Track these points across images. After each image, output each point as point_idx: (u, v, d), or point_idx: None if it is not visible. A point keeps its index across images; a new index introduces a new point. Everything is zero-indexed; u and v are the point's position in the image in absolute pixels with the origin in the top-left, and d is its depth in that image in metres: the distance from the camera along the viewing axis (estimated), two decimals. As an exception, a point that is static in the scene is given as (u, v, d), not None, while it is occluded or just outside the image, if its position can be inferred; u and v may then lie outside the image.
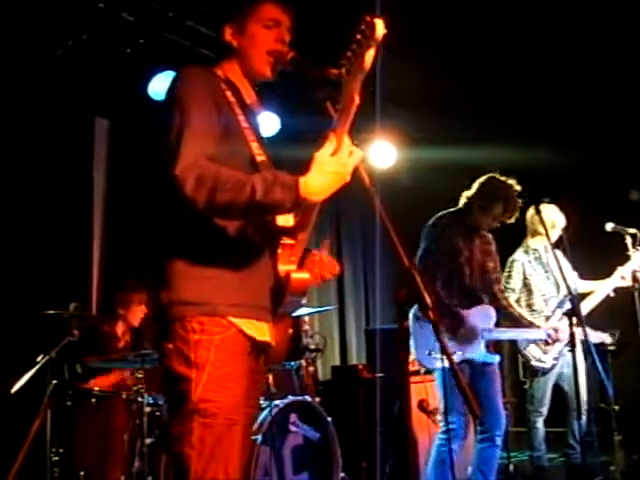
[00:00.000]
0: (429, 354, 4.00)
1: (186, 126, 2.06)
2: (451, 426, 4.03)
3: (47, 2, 4.88)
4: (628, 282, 4.87)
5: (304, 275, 2.20)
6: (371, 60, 1.92)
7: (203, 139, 2.07)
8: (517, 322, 4.43)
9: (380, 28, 1.85)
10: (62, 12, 4.98)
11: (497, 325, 4.33)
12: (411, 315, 4.08)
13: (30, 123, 5.22)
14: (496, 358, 4.25)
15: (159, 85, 5.31)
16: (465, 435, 4.22)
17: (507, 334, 4.49)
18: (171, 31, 5.49)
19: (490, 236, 4.45)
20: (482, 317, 4.21)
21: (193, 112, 2.09)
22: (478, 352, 4.13)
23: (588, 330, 4.70)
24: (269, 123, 5.86)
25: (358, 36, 1.88)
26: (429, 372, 4.61)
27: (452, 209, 4.41)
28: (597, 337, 4.85)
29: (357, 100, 2.01)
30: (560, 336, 4.35)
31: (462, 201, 4.41)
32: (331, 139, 2.05)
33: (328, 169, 2.03)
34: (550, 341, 4.41)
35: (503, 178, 4.34)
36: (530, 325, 4.46)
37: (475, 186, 4.40)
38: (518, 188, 4.27)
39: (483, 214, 4.30)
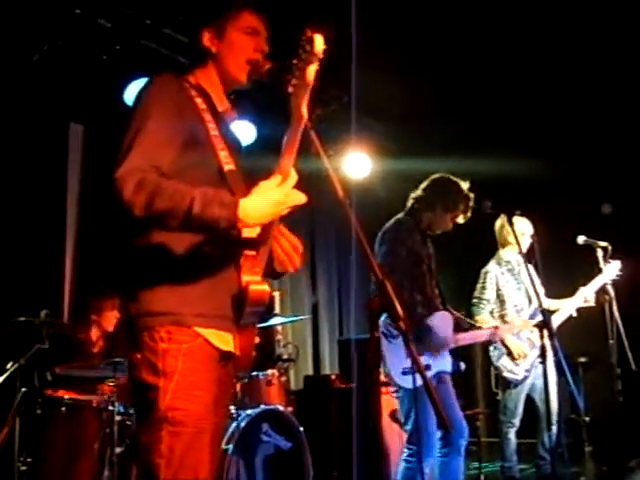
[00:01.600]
0: (404, 373, 3.86)
1: (140, 134, 2.06)
2: (422, 446, 3.88)
3: (23, 7, 4.85)
4: (590, 303, 4.91)
5: (263, 286, 2.20)
6: (314, 74, 1.93)
7: (154, 148, 2.07)
8: (460, 326, 4.39)
9: (319, 43, 1.88)
10: (38, 17, 4.96)
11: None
12: (380, 331, 3.95)
13: (4, 127, 5.18)
14: (462, 366, 4.22)
15: (135, 92, 5.28)
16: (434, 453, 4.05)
17: (466, 340, 4.44)
18: (148, 38, 5.48)
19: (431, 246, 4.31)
20: (443, 324, 4.08)
21: (151, 120, 2.09)
22: (446, 362, 4.06)
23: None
24: (245, 132, 5.86)
25: (300, 51, 1.89)
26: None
27: (405, 212, 4.22)
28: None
29: (305, 115, 2.02)
30: (500, 335, 4.37)
31: (412, 204, 4.23)
32: (277, 174, 2.07)
33: (269, 196, 2.04)
34: (495, 339, 4.41)
35: (449, 176, 4.22)
36: (471, 327, 4.45)
37: (422, 186, 4.24)
38: (466, 186, 4.16)
39: (434, 215, 4.15)
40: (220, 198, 2.00)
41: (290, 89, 1.97)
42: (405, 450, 4.00)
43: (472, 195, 4.17)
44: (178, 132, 2.14)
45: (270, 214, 2.06)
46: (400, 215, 4.22)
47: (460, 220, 4.19)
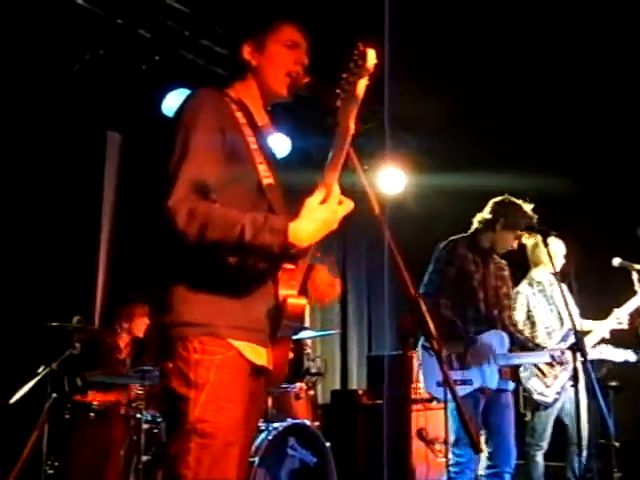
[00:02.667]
0: (438, 385, 3.94)
1: (185, 155, 2.07)
2: (460, 459, 3.94)
3: (66, 17, 4.93)
4: (623, 325, 4.84)
5: (301, 301, 2.19)
6: (364, 89, 1.92)
7: (201, 170, 2.07)
8: (523, 347, 4.40)
9: (372, 57, 1.86)
10: (80, 27, 5.04)
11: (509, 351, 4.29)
12: (420, 344, 4.07)
13: (44, 134, 5.26)
14: (510, 385, 4.21)
15: (173, 102, 5.34)
16: (476, 467, 4.10)
17: (518, 359, 4.45)
18: (187, 49, 5.55)
19: (504, 262, 4.44)
20: (496, 342, 4.14)
21: (195, 138, 2.09)
22: (491, 379, 4.05)
23: (610, 349, 4.74)
24: (280, 145, 5.88)
25: (351, 64, 1.88)
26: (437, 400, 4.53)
27: (465, 234, 4.39)
28: (620, 355, 4.81)
29: (352, 129, 2.01)
30: (564, 358, 4.31)
31: (474, 225, 4.39)
32: (321, 187, 2.06)
33: (317, 215, 2.04)
34: (555, 363, 4.36)
35: (513, 199, 4.34)
36: (535, 348, 4.45)
37: (486, 209, 4.39)
38: (528, 208, 4.27)
39: (494, 234, 4.29)
40: (270, 224, 2.00)
41: (338, 103, 1.96)
42: (451, 461, 4.03)
43: (535, 215, 4.25)
44: (221, 148, 2.14)
45: (320, 233, 2.07)
46: (458, 235, 4.37)
47: (525, 240, 4.37)
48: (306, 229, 2.02)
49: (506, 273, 4.43)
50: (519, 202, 4.30)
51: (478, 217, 4.39)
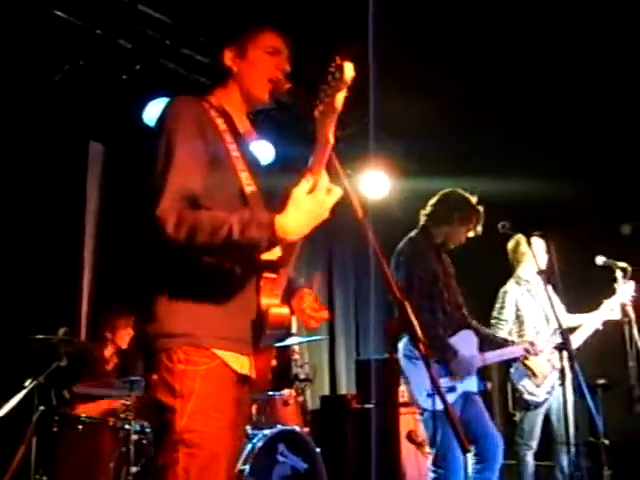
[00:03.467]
0: (429, 395, 3.83)
1: (170, 163, 2.07)
2: (447, 468, 3.88)
3: (46, 28, 4.92)
4: (616, 315, 4.86)
5: (283, 310, 2.19)
6: (342, 101, 1.93)
7: (186, 174, 2.07)
8: (491, 341, 4.36)
9: (349, 71, 1.87)
10: (60, 37, 5.03)
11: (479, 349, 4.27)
12: (401, 354, 3.97)
13: (25, 145, 5.23)
14: (483, 384, 4.20)
15: (154, 111, 5.34)
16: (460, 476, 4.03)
17: (494, 358, 4.42)
18: (167, 58, 5.54)
19: (448, 259, 4.32)
20: (467, 343, 4.09)
21: (178, 145, 2.10)
22: (472, 383, 4.05)
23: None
24: (264, 152, 5.88)
25: (328, 77, 1.89)
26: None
27: (417, 230, 4.25)
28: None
29: (331, 140, 2.01)
30: (537, 349, 4.30)
31: (424, 220, 4.26)
32: (308, 176, 2.03)
33: (305, 207, 2.01)
34: (530, 353, 4.34)
35: (459, 190, 4.26)
36: (504, 342, 4.42)
37: (432, 202, 4.29)
38: (475, 199, 4.20)
39: (450, 228, 4.18)
40: (257, 219, 2.00)
41: (316, 114, 1.97)
42: (430, 473, 3.98)
43: (481, 208, 4.20)
44: (203, 154, 2.15)
45: (309, 224, 2.03)
46: (412, 233, 4.24)
47: (471, 234, 4.21)
48: (293, 222, 2.00)
49: (452, 269, 4.31)
50: (467, 195, 4.22)
51: (427, 210, 4.26)
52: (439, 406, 3.69)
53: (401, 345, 3.95)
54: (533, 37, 5.41)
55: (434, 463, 3.93)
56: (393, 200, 7.50)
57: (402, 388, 4.03)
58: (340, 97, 1.91)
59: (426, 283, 4.03)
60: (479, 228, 4.21)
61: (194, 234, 1.97)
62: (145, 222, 2.03)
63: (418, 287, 3.99)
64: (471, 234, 4.21)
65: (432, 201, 4.29)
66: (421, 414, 4.02)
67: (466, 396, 4.02)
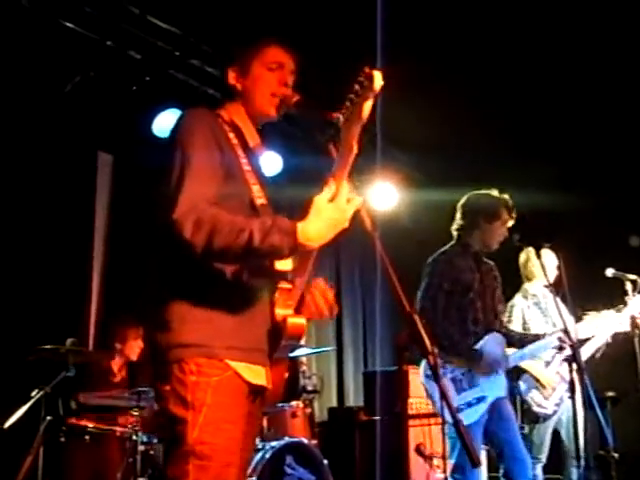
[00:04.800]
0: (458, 410, 3.71)
1: (187, 169, 2.07)
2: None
3: (56, 39, 4.95)
4: (626, 327, 4.82)
5: (300, 320, 2.19)
6: (369, 110, 1.93)
7: (203, 182, 2.08)
8: (522, 341, 4.31)
9: (378, 80, 1.87)
10: (71, 49, 5.06)
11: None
12: (422, 373, 3.97)
13: (35, 155, 5.26)
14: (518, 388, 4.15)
15: (163, 122, 5.35)
16: None
17: (524, 355, 4.32)
18: (177, 69, 5.57)
19: (492, 263, 4.31)
20: (494, 344, 4.02)
21: (194, 155, 2.10)
22: (501, 387, 3.99)
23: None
24: (272, 163, 5.89)
25: (356, 86, 1.89)
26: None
27: (452, 243, 4.23)
28: None
29: (355, 149, 2.01)
30: (570, 339, 4.22)
31: (455, 233, 4.24)
32: (330, 184, 2.04)
33: (326, 215, 2.02)
34: (565, 345, 4.25)
35: (476, 192, 4.25)
36: (535, 338, 4.37)
37: (459, 214, 4.26)
38: (496, 192, 4.19)
39: (481, 232, 4.15)
40: (278, 226, 2.00)
41: (341, 122, 1.97)
42: None
43: (507, 196, 4.18)
44: (219, 165, 2.16)
45: (330, 232, 2.04)
46: (446, 246, 4.22)
47: (510, 223, 4.15)
48: (315, 229, 2.01)
49: (497, 274, 4.30)
50: (486, 191, 4.21)
51: (455, 225, 4.24)
52: (464, 422, 3.71)
53: (422, 366, 3.95)
54: (541, 51, 5.42)
55: (453, 472, 3.91)
56: (402, 211, 7.50)
57: (410, 400, 4.04)
58: (368, 106, 1.92)
59: (454, 294, 4.02)
60: (511, 220, 4.16)
61: (213, 237, 1.97)
62: (161, 228, 2.03)
63: (444, 299, 3.99)
64: (510, 223, 4.16)
65: (457, 214, 4.26)
66: (443, 425, 3.96)
67: (496, 407, 3.95)
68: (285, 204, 2.44)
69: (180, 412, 2.06)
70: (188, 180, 2.05)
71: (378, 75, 1.87)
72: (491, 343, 4.02)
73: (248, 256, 2.02)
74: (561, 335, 4.21)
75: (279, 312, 2.17)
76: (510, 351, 4.19)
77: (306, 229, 2.00)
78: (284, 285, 2.20)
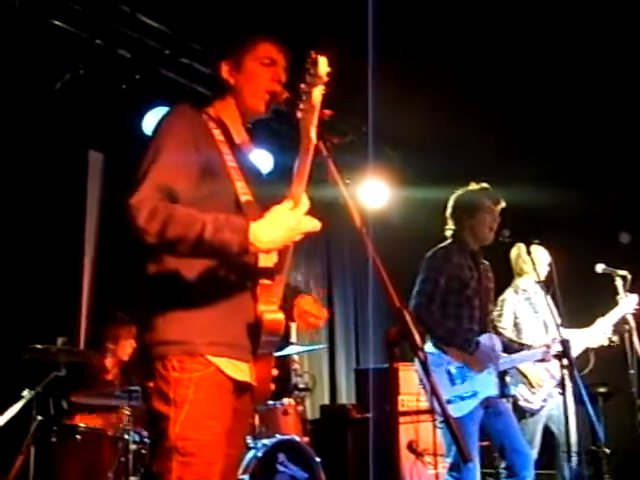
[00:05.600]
0: (449, 402, 3.78)
1: (155, 162, 2.09)
2: (463, 476, 3.84)
3: (46, 37, 4.93)
4: (606, 336, 4.83)
5: (278, 315, 2.19)
6: (320, 97, 1.93)
7: (167, 176, 2.08)
8: (508, 347, 4.34)
9: (323, 65, 1.87)
10: (60, 47, 5.04)
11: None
12: (418, 366, 3.98)
13: (25, 154, 5.24)
14: (510, 389, 4.17)
15: (153, 121, 5.33)
16: None
17: (517, 361, 4.39)
18: (167, 68, 5.56)
19: (488, 264, 4.32)
20: (490, 347, 4.03)
21: (166, 150, 2.11)
22: (493, 386, 4.00)
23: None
24: (263, 161, 5.88)
25: (305, 74, 1.89)
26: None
27: (449, 241, 4.23)
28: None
29: (314, 139, 2.02)
30: (549, 355, 4.26)
31: (449, 233, 4.26)
32: (289, 199, 2.08)
33: (281, 221, 2.04)
34: (548, 358, 4.29)
35: (457, 190, 4.28)
36: (521, 347, 4.41)
37: (449, 210, 4.28)
38: (476, 185, 4.22)
39: (472, 226, 4.16)
40: (231, 223, 2.01)
41: (299, 114, 1.97)
42: (448, 477, 3.95)
43: (488, 186, 4.21)
44: (193, 163, 2.16)
45: (282, 239, 2.06)
46: (443, 243, 4.23)
47: (498, 210, 4.18)
48: (267, 231, 2.02)
49: (491, 274, 4.32)
50: (464, 188, 4.24)
51: (447, 230, 4.26)
52: (455, 413, 3.75)
53: (417, 361, 3.95)
54: (533, 50, 5.43)
55: (450, 470, 3.92)
56: (392, 209, 7.51)
57: (401, 397, 4.05)
58: (317, 93, 1.92)
59: (451, 291, 4.03)
60: (498, 205, 4.19)
61: (166, 227, 1.97)
62: (120, 212, 2.03)
63: (441, 295, 4.01)
64: (498, 208, 4.18)
65: (447, 215, 4.29)
66: (441, 422, 3.97)
67: (491, 404, 3.97)
68: (276, 202, 2.44)
69: (163, 408, 2.07)
70: (152, 172, 2.07)
71: (323, 60, 1.87)
72: (486, 340, 4.04)
73: (199, 249, 2.01)
74: (546, 350, 4.24)
75: (261, 308, 2.18)
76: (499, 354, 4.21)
77: (258, 230, 2.01)
78: (264, 281, 2.20)
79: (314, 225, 2.11)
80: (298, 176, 2.08)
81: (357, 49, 4.59)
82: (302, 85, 1.90)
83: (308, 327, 2.40)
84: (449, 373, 3.91)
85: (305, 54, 1.89)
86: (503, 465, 3.95)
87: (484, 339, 4.03)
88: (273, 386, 2.33)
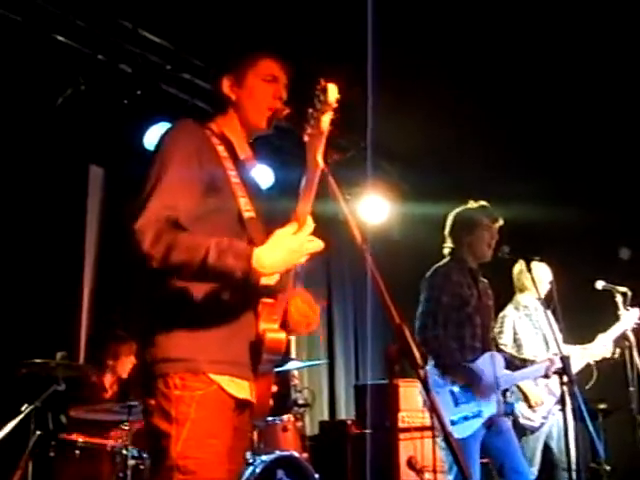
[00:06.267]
0: (453, 423, 3.78)
1: (158, 183, 2.08)
2: None
3: (47, 52, 4.96)
4: (608, 350, 4.82)
5: (280, 335, 2.18)
6: (328, 123, 1.93)
7: (172, 196, 2.08)
8: (509, 363, 4.33)
9: (333, 92, 1.87)
10: (62, 62, 5.07)
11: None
12: (420, 387, 3.97)
13: (26, 169, 5.25)
14: (511, 407, 4.15)
15: (155, 136, 5.35)
16: None
17: (519, 379, 4.39)
18: (168, 83, 5.58)
19: (486, 282, 4.32)
20: (493, 365, 4.01)
21: (170, 169, 2.11)
22: (496, 405, 3.97)
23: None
24: (263, 176, 5.89)
25: (314, 100, 1.90)
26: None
27: (447, 259, 4.24)
28: None
29: (321, 164, 2.02)
30: (554, 369, 4.23)
31: (447, 251, 4.26)
32: (293, 220, 2.08)
33: (284, 245, 2.04)
34: (550, 374, 4.28)
35: (455, 210, 4.29)
36: (522, 364, 4.40)
37: (448, 228, 4.29)
38: (473, 203, 4.24)
39: (470, 244, 4.17)
40: (235, 248, 2.01)
41: (305, 137, 1.98)
42: None
43: (485, 203, 4.23)
44: (197, 180, 2.15)
45: (285, 263, 2.06)
46: (442, 262, 4.23)
47: (496, 227, 4.19)
48: (270, 256, 2.02)
49: (490, 291, 4.32)
50: (462, 207, 4.26)
51: (445, 248, 4.28)
52: (459, 434, 3.73)
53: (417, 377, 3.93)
54: (533, 67, 5.45)
55: None
56: (392, 224, 7.51)
57: (401, 414, 4.03)
58: (326, 119, 1.92)
59: (452, 309, 4.02)
60: (497, 223, 4.20)
61: (170, 252, 1.97)
62: (125, 238, 2.03)
63: (443, 313, 3.99)
64: (496, 225, 4.20)
65: (445, 235, 4.30)
66: (442, 441, 3.94)
67: (493, 423, 3.95)
68: (277, 217, 2.45)
69: (164, 426, 2.06)
70: (157, 193, 2.06)
71: (332, 88, 1.87)
72: (487, 363, 4.00)
73: (203, 274, 2.01)
74: (548, 365, 4.23)
75: (262, 326, 2.17)
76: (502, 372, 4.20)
77: (261, 256, 2.01)
78: (266, 300, 2.20)
79: (317, 246, 2.11)
80: (304, 197, 2.07)
81: (356, 63, 4.61)
82: (310, 110, 1.91)
83: (298, 328, 2.36)
84: (453, 394, 3.90)
85: (313, 80, 1.90)
86: None
87: (484, 361, 4.01)
88: (272, 403, 2.33)
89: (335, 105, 1.89)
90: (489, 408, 3.93)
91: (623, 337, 4.84)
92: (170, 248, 1.97)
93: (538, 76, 5.54)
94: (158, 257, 1.97)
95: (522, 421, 4.93)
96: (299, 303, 2.32)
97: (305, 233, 2.08)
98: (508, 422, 4.16)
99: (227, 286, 2.13)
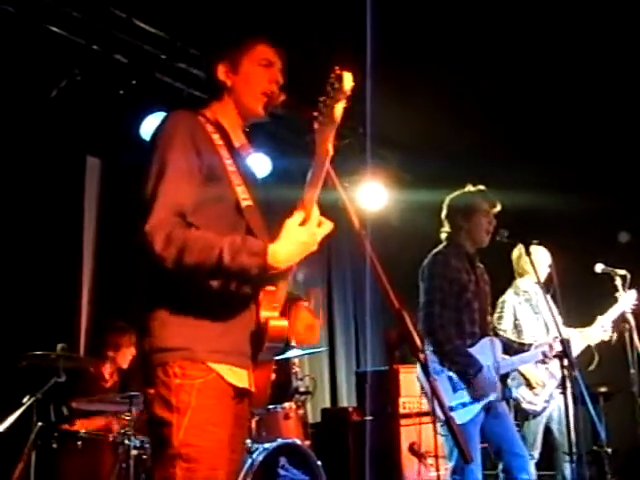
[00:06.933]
0: (452, 409, 3.75)
1: (162, 178, 2.07)
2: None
3: (42, 43, 4.93)
4: (607, 335, 4.83)
5: (282, 322, 2.19)
6: (341, 112, 1.93)
7: (178, 190, 2.08)
8: (508, 347, 4.33)
9: (348, 81, 1.87)
10: (57, 53, 5.04)
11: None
12: (419, 370, 3.96)
13: (22, 160, 5.23)
14: (510, 391, 4.15)
15: (151, 126, 5.34)
16: None
17: (517, 364, 4.40)
18: (163, 73, 5.56)
19: (483, 267, 4.30)
20: (490, 351, 4.00)
21: (171, 163, 2.10)
22: (497, 392, 3.95)
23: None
24: (260, 165, 5.88)
25: (328, 88, 1.89)
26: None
27: (444, 244, 4.21)
28: None
29: (331, 151, 2.02)
30: (552, 352, 4.23)
31: (445, 236, 4.24)
32: (300, 208, 2.08)
33: (296, 238, 2.07)
34: (547, 359, 4.29)
35: (451, 195, 4.27)
36: (521, 347, 4.41)
37: (445, 212, 4.27)
38: (471, 187, 4.22)
39: (468, 230, 4.15)
40: (249, 246, 2.02)
41: (316, 125, 1.97)
42: None
43: (483, 187, 4.20)
44: (197, 170, 2.15)
45: (300, 255, 2.10)
46: (439, 248, 4.21)
47: (494, 211, 4.17)
48: (285, 251, 2.05)
49: (487, 277, 4.29)
50: (460, 191, 4.23)
51: (443, 233, 4.25)
52: (459, 420, 3.72)
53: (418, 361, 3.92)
54: (533, 54, 5.44)
55: (452, 473, 3.90)
56: (391, 212, 7.51)
57: (402, 400, 4.04)
58: (339, 108, 1.92)
59: (451, 295, 4.00)
60: (494, 208, 4.18)
61: (183, 254, 1.98)
62: (135, 238, 2.03)
63: (445, 300, 3.97)
64: (494, 210, 4.17)
65: (442, 219, 4.28)
66: (442, 426, 3.93)
67: (491, 407, 3.93)
68: (274, 206, 2.44)
69: (165, 415, 2.06)
70: (163, 188, 2.06)
71: (348, 76, 1.87)
72: (486, 353, 3.97)
73: (217, 274, 2.04)
74: (546, 350, 4.23)
75: (264, 314, 2.17)
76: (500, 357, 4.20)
77: (276, 251, 2.03)
78: (268, 287, 2.19)
79: (327, 229, 2.13)
80: (312, 185, 2.07)
81: (354, 51, 4.59)
82: (323, 98, 1.90)
83: (302, 341, 2.41)
84: (451, 380, 3.89)
85: (331, 66, 1.89)
86: (500, 467, 3.94)
87: (483, 347, 4.00)
88: (270, 391, 2.33)
89: (349, 93, 1.88)
90: (488, 396, 3.91)
91: (623, 320, 4.85)
92: (183, 250, 1.98)
93: (538, 63, 5.53)
94: (171, 260, 1.98)
95: (525, 406, 4.94)
96: (303, 317, 2.36)
97: (314, 222, 2.10)
98: (505, 406, 4.15)
99: (238, 280, 2.13)
